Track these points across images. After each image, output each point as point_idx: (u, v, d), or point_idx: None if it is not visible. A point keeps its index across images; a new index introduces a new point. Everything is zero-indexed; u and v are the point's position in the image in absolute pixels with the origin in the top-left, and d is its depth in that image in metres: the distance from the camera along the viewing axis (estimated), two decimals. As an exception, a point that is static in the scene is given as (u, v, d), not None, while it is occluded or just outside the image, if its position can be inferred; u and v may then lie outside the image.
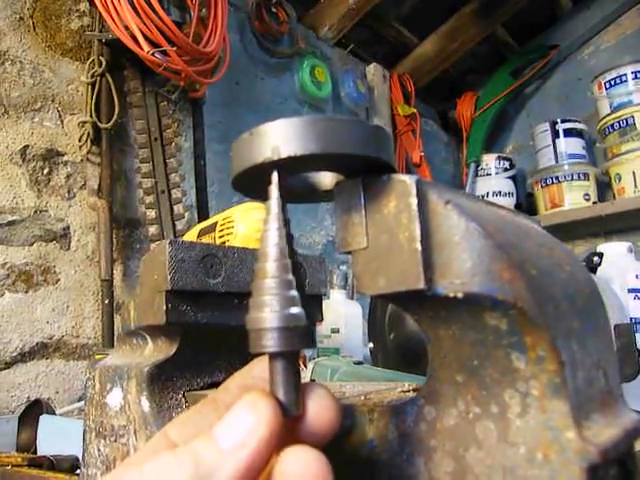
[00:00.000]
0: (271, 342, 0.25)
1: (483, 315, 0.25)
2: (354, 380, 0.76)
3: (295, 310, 0.25)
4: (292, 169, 0.26)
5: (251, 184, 0.28)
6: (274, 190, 0.26)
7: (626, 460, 0.28)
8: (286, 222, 0.26)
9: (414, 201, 0.25)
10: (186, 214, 1.50)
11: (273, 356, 0.25)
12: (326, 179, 0.29)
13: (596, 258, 1.07)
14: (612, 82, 2.24)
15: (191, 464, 0.22)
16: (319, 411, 0.25)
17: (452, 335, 0.27)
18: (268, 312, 0.25)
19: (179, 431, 0.27)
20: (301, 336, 0.25)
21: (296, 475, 0.22)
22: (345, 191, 0.28)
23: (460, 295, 0.24)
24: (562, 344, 0.25)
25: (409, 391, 0.35)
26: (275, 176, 0.26)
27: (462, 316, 0.26)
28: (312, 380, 0.79)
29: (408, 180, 0.26)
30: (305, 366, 0.92)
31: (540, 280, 0.26)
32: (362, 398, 0.34)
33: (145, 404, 0.45)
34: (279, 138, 0.25)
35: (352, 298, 1.40)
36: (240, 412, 0.23)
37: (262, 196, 0.31)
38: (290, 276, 0.25)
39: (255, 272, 0.26)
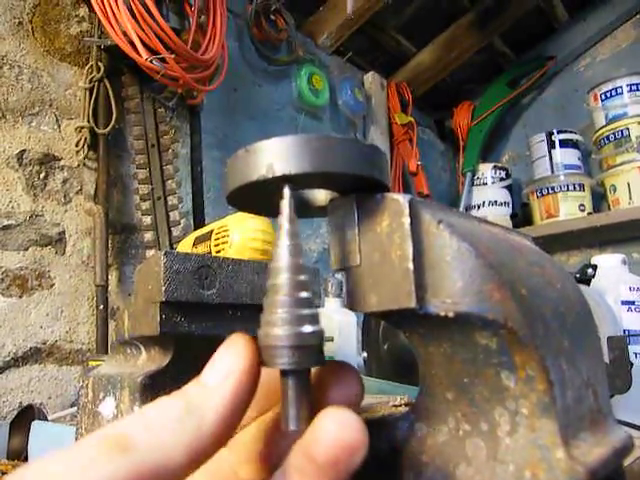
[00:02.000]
0: (283, 360, 0.25)
1: (474, 334, 0.25)
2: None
3: (308, 329, 0.25)
4: (285, 187, 0.27)
5: (245, 199, 0.29)
6: (286, 205, 0.26)
7: (615, 478, 0.28)
8: (297, 235, 0.26)
9: (407, 220, 0.25)
10: (182, 221, 1.50)
11: (285, 373, 0.25)
12: (320, 196, 0.29)
13: (590, 270, 1.07)
14: (607, 94, 2.26)
15: (181, 402, 0.24)
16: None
17: (443, 353, 0.27)
18: (281, 330, 0.25)
19: None
20: (311, 355, 0.25)
21: (333, 434, 0.22)
22: (339, 209, 0.28)
23: (451, 314, 0.25)
24: (551, 363, 0.25)
25: (401, 405, 0.36)
26: (287, 191, 0.26)
27: (453, 334, 0.26)
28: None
29: (401, 199, 0.26)
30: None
31: (530, 300, 0.26)
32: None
33: (138, 414, 0.45)
34: (274, 156, 0.25)
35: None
36: (220, 354, 0.26)
37: (256, 210, 0.31)
38: (302, 294, 0.25)
39: (268, 288, 0.26)
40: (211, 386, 0.25)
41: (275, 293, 0.25)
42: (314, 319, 0.25)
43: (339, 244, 0.28)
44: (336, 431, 0.22)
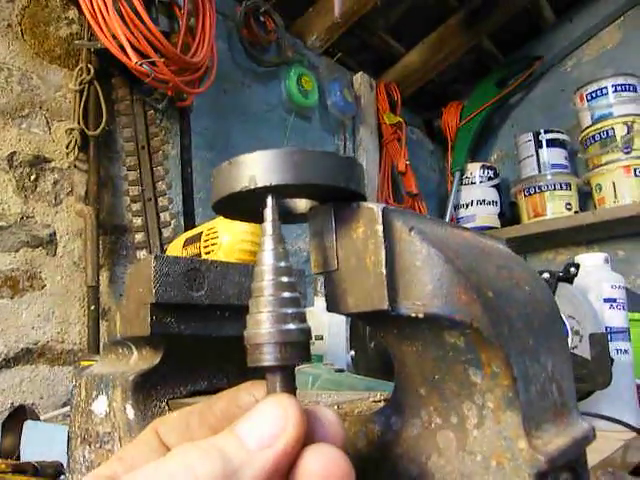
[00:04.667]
0: (267, 356, 0.26)
1: (443, 333, 0.27)
2: (335, 388, 0.78)
3: (291, 326, 0.26)
4: (268, 196, 0.28)
5: (231, 208, 0.30)
6: (269, 213, 0.28)
7: (576, 466, 0.30)
8: (282, 241, 0.28)
9: (380, 228, 0.27)
10: (172, 222, 1.51)
11: (269, 369, 0.27)
12: (301, 204, 0.31)
13: (573, 269, 1.10)
14: (593, 94, 2.29)
15: (219, 460, 0.21)
16: (327, 428, 0.25)
17: (415, 351, 0.29)
18: (263, 328, 0.26)
19: (170, 433, 0.28)
20: (296, 351, 0.26)
21: (320, 473, 0.22)
22: (318, 216, 0.30)
23: (421, 315, 0.27)
24: (515, 361, 0.27)
25: (380, 401, 0.37)
26: (270, 200, 0.28)
27: (424, 334, 0.28)
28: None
29: (375, 208, 0.28)
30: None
31: (496, 301, 0.28)
32: (335, 408, 0.36)
33: (130, 412, 0.46)
34: (256, 168, 0.27)
35: (336, 305, 1.42)
36: (267, 412, 0.23)
37: (241, 217, 0.33)
38: (285, 294, 0.27)
39: (253, 290, 0.28)
40: (252, 449, 0.22)
41: (259, 294, 0.27)
42: (298, 317, 0.27)
43: (318, 249, 0.30)
44: (322, 468, 0.22)
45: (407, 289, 0.27)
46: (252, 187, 0.27)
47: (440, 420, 0.29)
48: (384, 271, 0.27)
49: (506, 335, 0.27)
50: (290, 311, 0.27)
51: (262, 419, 0.23)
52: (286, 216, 0.32)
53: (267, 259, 0.27)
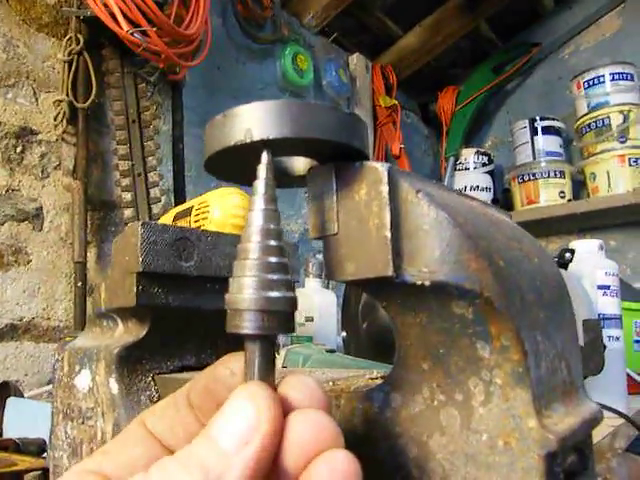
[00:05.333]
0: (246, 324, 0.24)
1: (450, 304, 0.25)
2: (325, 368, 0.77)
3: (275, 293, 0.24)
4: (264, 152, 0.26)
5: (223, 166, 0.28)
6: (263, 170, 0.25)
7: (583, 448, 0.29)
8: (274, 201, 0.26)
9: (385, 189, 0.25)
10: (162, 198, 1.48)
11: (249, 338, 0.24)
12: (299, 164, 0.29)
13: (568, 254, 1.09)
14: (590, 82, 2.27)
15: (198, 473, 0.21)
16: (307, 396, 0.24)
17: (419, 323, 0.27)
18: (246, 293, 0.24)
19: (157, 422, 0.26)
20: (279, 321, 0.24)
21: (307, 437, 0.22)
22: (318, 177, 0.28)
23: (427, 283, 0.25)
24: (526, 334, 0.25)
25: (377, 378, 0.36)
26: (265, 155, 0.26)
27: (429, 304, 0.26)
28: (283, 367, 0.80)
29: (380, 167, 0.26)
30: (277, 353, 0.92)
31: (507, 271, 0.26)
32: (330, 384, 0.34)
33: (114, 386, 0.44)
34: (252, 121, 0.25)
35: (327, 287, 1.41)
36: (238, 407, 0.22)
37: (234, 178, 0.30)
38: (273, 258, 0.25)
39: (238, 252, 0.25)
40: (229, 450, 0.21)
41: (244, 257, 0.25)
42: (284, 285, 0.24)
43: (317, 213, 0.28)
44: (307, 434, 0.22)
45: (413, 255, 0.25)
46: (248, 141, 0.25)
47: (444, 397, 0.27)
48: (388, 235, 0.25)
49: (517, 307, 0.26)
50: (276, 277, 0.24)
51: (235, 416, 0.22)
52: (284, 178, 0.30)
53: (256, 220, 0.25)
